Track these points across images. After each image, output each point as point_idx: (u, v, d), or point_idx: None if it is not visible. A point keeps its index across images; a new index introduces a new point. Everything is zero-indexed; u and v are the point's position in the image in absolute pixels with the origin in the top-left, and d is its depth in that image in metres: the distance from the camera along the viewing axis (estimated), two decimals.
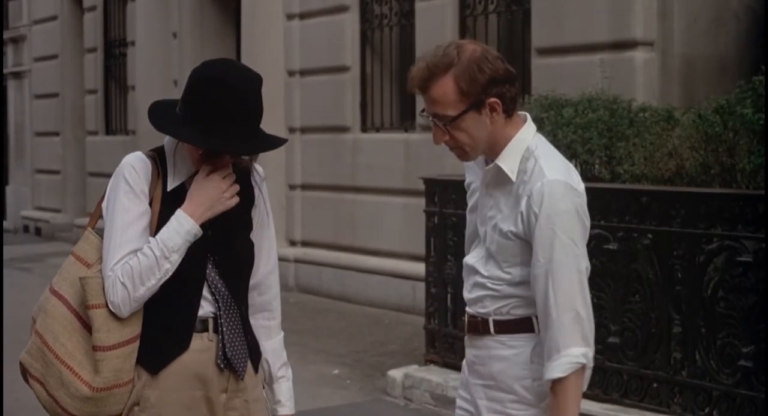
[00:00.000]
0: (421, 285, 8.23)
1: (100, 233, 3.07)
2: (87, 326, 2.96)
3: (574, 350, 3.05)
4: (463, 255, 3.34)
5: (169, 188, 3.05)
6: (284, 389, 3.27)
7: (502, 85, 3.06)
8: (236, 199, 3.05)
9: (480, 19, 9.93)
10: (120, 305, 2.94)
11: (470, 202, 3.31)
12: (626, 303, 6.13)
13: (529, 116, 3.19)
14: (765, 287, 5.47)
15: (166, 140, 3.10)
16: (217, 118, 2.95)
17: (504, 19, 9.78)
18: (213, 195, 3.01)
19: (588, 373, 3.14)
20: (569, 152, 6.91)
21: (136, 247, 2.97)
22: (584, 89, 7.43)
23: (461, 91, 3.02)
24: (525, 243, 3.09)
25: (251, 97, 2.99)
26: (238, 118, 2.96)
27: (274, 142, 3.07)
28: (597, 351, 6.22)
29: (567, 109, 7.11)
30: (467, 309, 3.27)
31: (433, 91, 3.05)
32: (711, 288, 5.74)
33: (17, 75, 20.02)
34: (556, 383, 3.06)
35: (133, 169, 3.01)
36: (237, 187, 3.05)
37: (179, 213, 2.99)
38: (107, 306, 2.94)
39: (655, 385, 6.02)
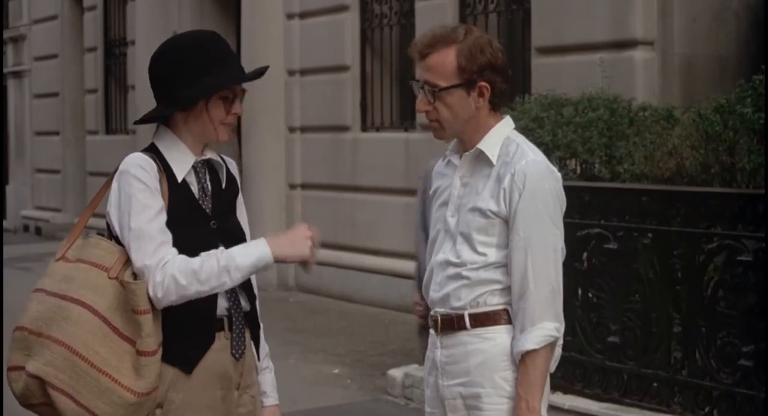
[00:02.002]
0: None
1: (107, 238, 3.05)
2: (116, 331, 2.89)
3: (547, 324, 3.10)
4: None
5: (179, 179, 3.03)
6: (268, 380, 3.27)
7: (496, 74, 3.17)
8: (315, 252, 3.02)
9: (480, 19, 9.93)
10: (162, 299, 2.90)
11: (434, 206, 3.34)
12: (626, 302, 6.12)
13: (509, 118, 3.30)
14: (765, 287, 5.47)
15: (159, 137, 3.09)
16: (216, 62, 3.02)
17: (504, 18, 9.78)
18: (297, 238, 2.98)
19: (558, 351, 3.18)
20: (569, 151, 6.91)
21: (165, 239, 2.94)
22: (584, 88, 7.42)
23: (458, 66, 3.14)
24: (503, 224, 3.14)
25: (220, 39, 3.09)
26: (229, 54, 3.06)
27: (263, 68, 3.14)
28: (597, 351, 6.22)
29: (567, 108, 7.10)
30: (436, 310, 3.26)
31: (432, 58, 3.17)
32: (711, 288, 5.74)
33: (17, 74, 20.03)
34: (527, 355, 3.09)
35: (141, 167, 2.98)
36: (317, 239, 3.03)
37: (262, 240, 2.98)
38: (154, 310, 2.91)
39: (655, 385, 6.01)
